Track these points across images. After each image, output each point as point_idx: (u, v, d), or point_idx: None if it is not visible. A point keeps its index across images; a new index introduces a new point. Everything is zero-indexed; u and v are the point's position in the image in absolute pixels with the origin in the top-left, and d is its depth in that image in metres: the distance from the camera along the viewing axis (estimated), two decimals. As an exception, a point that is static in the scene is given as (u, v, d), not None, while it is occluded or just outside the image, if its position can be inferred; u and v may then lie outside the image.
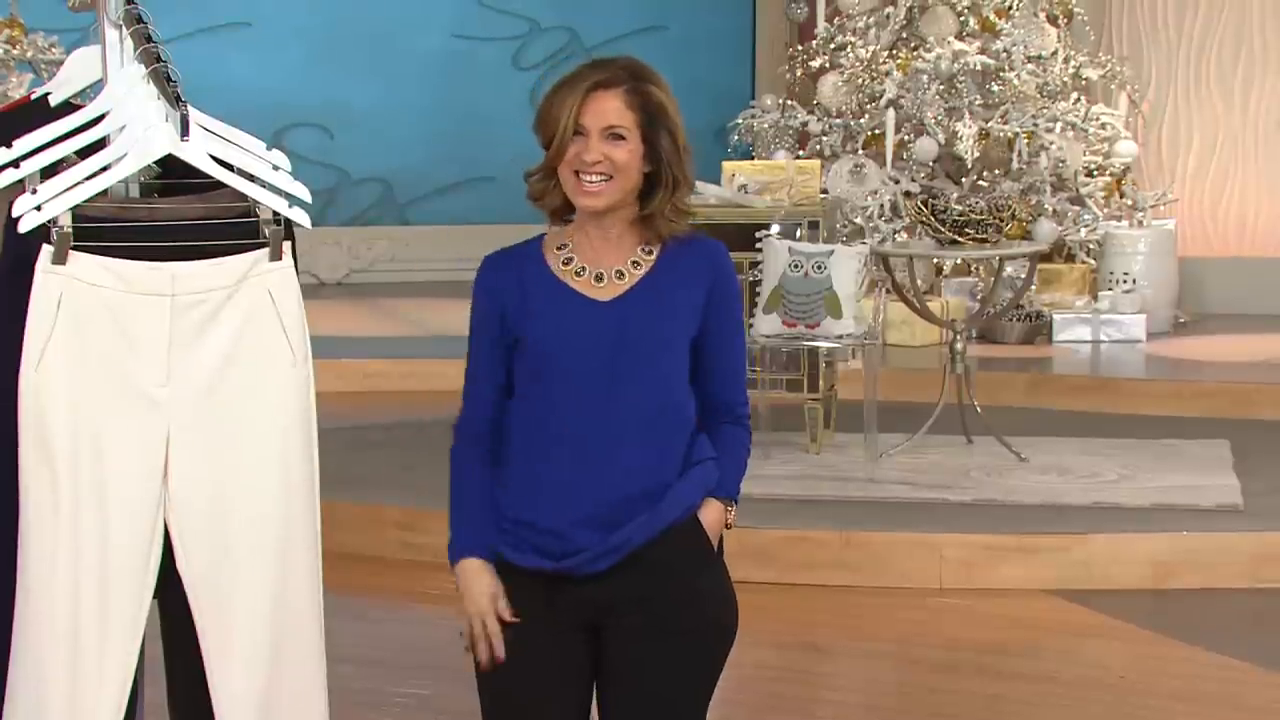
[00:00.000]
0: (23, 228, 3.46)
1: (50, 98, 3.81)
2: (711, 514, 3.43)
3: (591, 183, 3.33)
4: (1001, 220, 11.50)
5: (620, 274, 3.39)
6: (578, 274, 3.40)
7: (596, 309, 3.37)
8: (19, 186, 3.52)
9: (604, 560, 3.35)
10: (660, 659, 3.38)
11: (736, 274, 3.49)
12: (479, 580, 3.39)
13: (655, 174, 3.36)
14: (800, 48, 12.75)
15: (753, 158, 11.77)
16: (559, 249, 3.42)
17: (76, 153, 3.56)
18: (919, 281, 9.99)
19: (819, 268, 7.73)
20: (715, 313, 3.42)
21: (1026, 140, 11.72)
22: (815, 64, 12.44)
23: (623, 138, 3.33)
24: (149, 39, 3.64)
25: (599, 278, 3.39)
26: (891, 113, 11.76)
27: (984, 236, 11.57)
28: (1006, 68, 11.83)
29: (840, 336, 7.80)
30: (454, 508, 3.46)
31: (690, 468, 3.40)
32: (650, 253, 3.41)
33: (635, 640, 3.38)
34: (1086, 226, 11.84)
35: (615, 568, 3.36)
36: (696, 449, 3.42)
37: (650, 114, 3.34)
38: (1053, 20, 12.26)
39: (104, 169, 3.53)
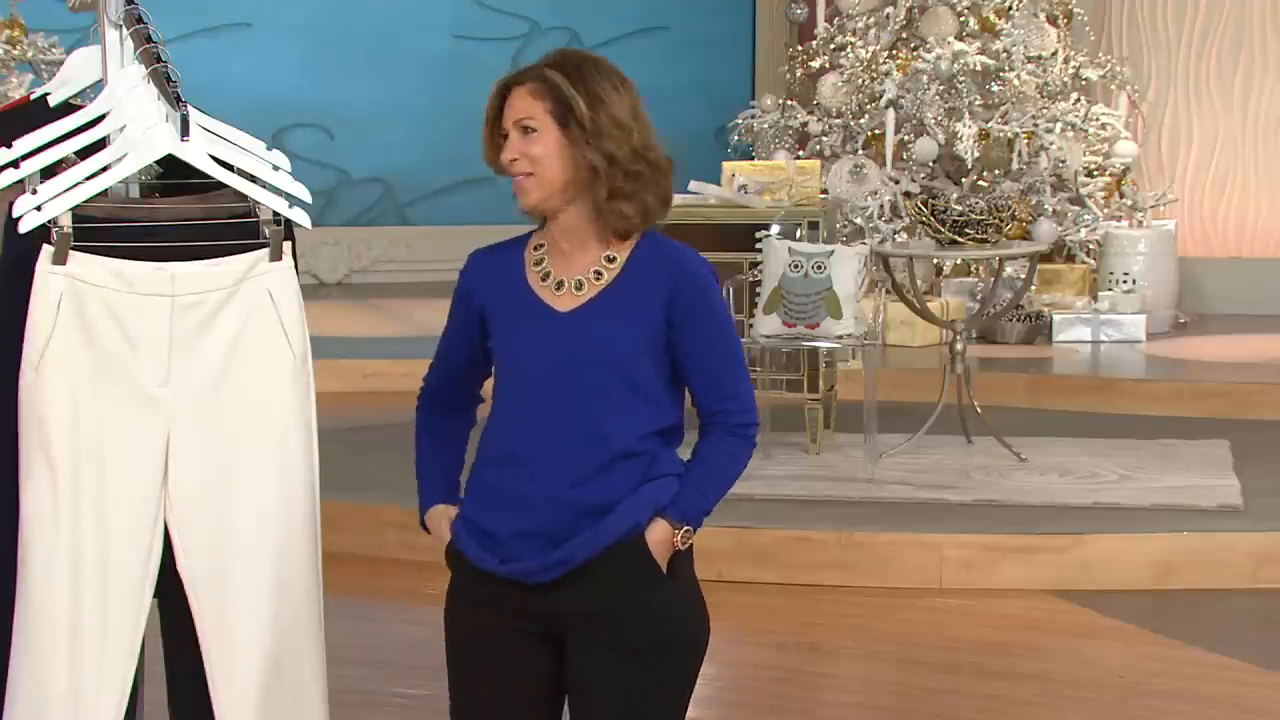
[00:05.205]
0: (23, 228, 3.46)
1: (50, 98, 3.81)
2: (657, 533, 3.31)
3: (517, 181, 3.32)
4: (1001, 220, 11.47)
5: (580, 284, 3.32)
6: (543, 279, 3.35)
7: (553, 321, 3.31)
8: (19, 186, 3.52)
9: (547, 574, 3.30)
10: (618, 675, 3.32)
11: (710, 276, 3.34)
12: (449, 517, 3.46)
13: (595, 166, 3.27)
14: (800, 48, 12.74)
15: (753, 158, 11.77)
16: (535, 249, 3.39)
17: (76, 153, 3.56)
18: (919, 282, 9.99)
19: (819, 268, 7.72)
20: (682, 322, 3.30)
21: (1026, 140, 11.72)
22: (815, 64, 12.44)
23: (533, 129, 3.29)
24: (149, 39, 3.64)
25: (560, 285, 3.33)
26: (891, 113, 11.76)
27: (984, 237, 11.53)
28: (1006, 68, 11.83)
29: (840, 337, 7.79)
30: (417, 474, 3.55)
31: (646, 483, 3.31)
32: (613, 260, 3.33)
33: (593, 655, 3.33)
34: (1086, 227, 11.84)
35: (561, 580, 3.30)
36: (661, 463, 3.33)
37: (561, 101, 3.26)
38: (1053, 20, 12.25)
39: (104, 169, 3.53)
